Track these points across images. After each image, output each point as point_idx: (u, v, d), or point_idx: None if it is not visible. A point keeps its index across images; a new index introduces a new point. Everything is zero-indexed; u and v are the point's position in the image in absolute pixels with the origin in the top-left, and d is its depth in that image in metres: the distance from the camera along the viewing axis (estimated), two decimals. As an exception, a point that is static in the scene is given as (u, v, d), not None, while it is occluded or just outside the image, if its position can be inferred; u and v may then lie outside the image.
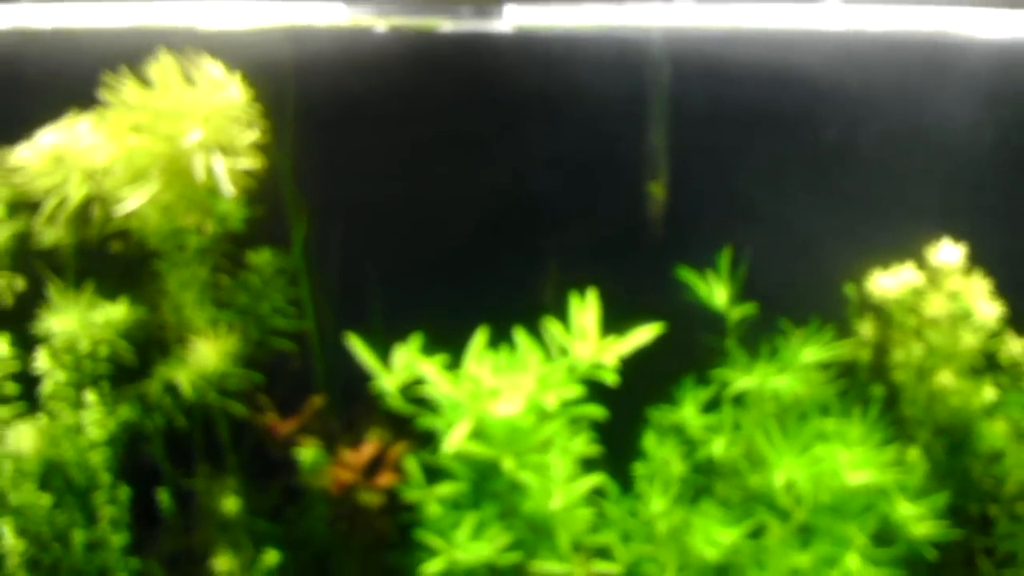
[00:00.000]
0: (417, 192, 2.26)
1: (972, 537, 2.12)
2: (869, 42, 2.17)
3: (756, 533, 2.09)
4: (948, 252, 2.02)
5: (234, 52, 1.89)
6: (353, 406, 2.20)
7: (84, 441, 2.02)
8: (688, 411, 2.23)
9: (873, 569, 2.02)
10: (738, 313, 2.19)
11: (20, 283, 2.10)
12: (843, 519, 2.04)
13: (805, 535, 2.06)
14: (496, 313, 2.14)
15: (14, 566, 2.01)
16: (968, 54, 2.15)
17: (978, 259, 2.06)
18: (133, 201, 1.90)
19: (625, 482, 2.24)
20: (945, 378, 2.02)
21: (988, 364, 2.09)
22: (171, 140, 1.86)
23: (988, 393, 2.06)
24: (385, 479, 2.12)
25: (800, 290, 2.20)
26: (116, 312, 2.09)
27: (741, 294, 2.17)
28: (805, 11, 2.18)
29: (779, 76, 2.16)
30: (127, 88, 1.86)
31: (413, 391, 2.14)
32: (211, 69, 1.86)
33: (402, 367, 2.16)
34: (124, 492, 2.07)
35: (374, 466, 2.14)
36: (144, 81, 1.87)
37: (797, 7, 2.17)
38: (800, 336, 2.18)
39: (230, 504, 2.10)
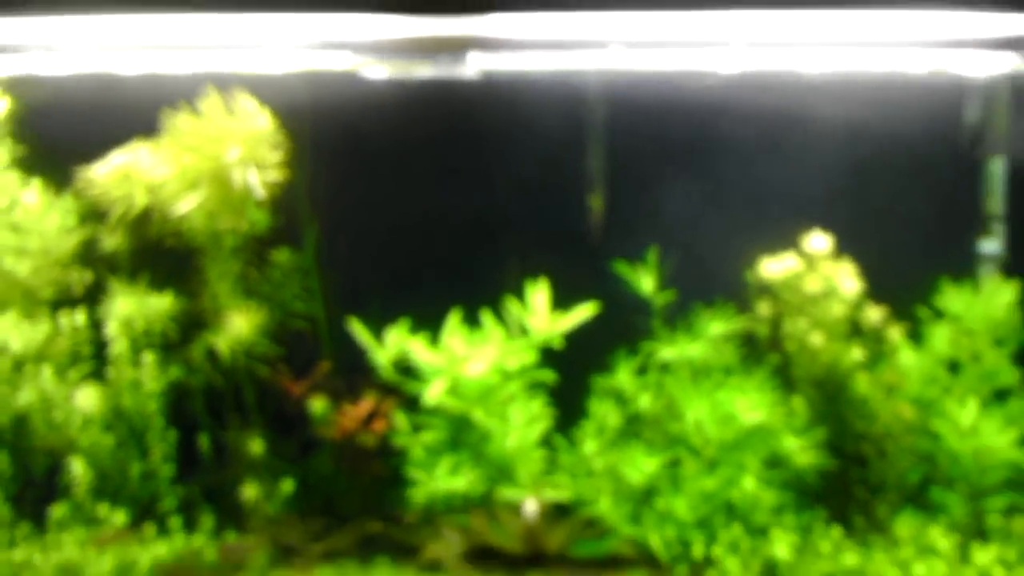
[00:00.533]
0: (406, 203, 2.79)
1: (849, 469, 2.61)
2: (761, 81, 2.71)
3: (674, 465, 2.60)
4: (818, 241, 2.54)
5: (264, 91, 2.44)
6: (353, 374, 2.71)
7: (142, 394, 2.54)
8: (623, 376, 2.73)
9: (765, 489, 2.53)
10: (662, 298, 2.71)
11: (88, 277, 2.64)
12: (741, 451, 2.55)
13: (712, 465, 2.56)
14: (469, 299, 2.67)
15: (83, 493, 2.51)
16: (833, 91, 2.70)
17: (848, 249, 2.60)
18: (184, 206, 2.44)
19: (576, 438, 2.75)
20: (818, 340, 2.53)
21: (855, 330, 2.61)
22: (215, 158, 2.41)
23: (856, 353, 2.58)
24: (379, 426, 2.62)
25: (711, 277, 2.71)
26: (163, 300, 2.63)
27: (664, 282, 2.70)
28: (713, 55, 2.71)
29: (690, 111, 2.70)
30: (181, 118, 2.41)
31: (401, 364, 2.67)
32: (246, 103, 2.42)
33: (393, 344, 2.70)
34: (172, 435, 2.59)
35: (370, 417, 2.64)
36: (195, 113, 2.42)
37: (705, 52, 2.70)
38: (709, 314, 2.70)
39: (255, 447, 2.61)
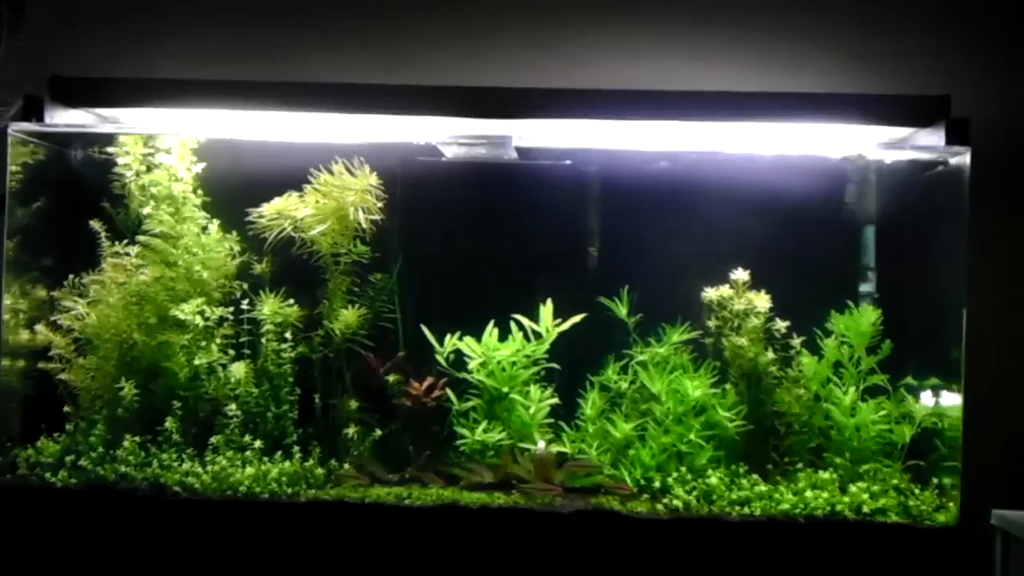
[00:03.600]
0: (462, 246, 3.83)
1: (765, 438, 3.52)
2: (706, 161, 3.75)
3: (642, 428, 3.52)
4: (740, 273, 3.55)
5: (373, 159, 3.53)
6: (420, 363, 3.68)
7: (279, 362, 3.53)
8: (611, 371, 3.69)
9: (705, 445, 3.45)
10: (634, 321, 3.69)
11: (245, 286, 3.66)
12: (688, 419, 3.48)
13: (668, 428, 3.49)
14: (503, 313, 3.67)
15: (233, 427, 3.47)
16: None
17: (765, 285, 3.59)
18: (315, 231, 3.49)
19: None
20: (741, 342, 3.51)
21: (770, 337, 3.58)
22: (339, 200, 3.48)
23: (770, 354, 3.53)
24: (437, 395, 3.59)
25: (675, 301, 3.69)
26: (294, 307, 3.64)
27: (640, 306, 3.68)
28: (675, 144, 3.71)
29: (659, 185, 3.74)
30: (320, 175, 3.50)
31: (454, 359, 3.65)
32: (362, 167, 3.51)
33: (449, 343, 3.68)
34: (296, 392, 3.56)
35: (430, 390, 3.61)
36: (329, 172, 3.51)
37: (670, 142, 3.71)
38: (672, 328, 3.67)
39: (351, 405, 3.57)
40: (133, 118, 3.67)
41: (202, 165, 3.67)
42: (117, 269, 3.56)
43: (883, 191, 3.74)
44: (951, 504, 3.27)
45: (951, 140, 3.34)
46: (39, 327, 3.55)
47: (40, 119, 3.47)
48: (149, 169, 3.66)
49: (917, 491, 3.34)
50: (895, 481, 3.37)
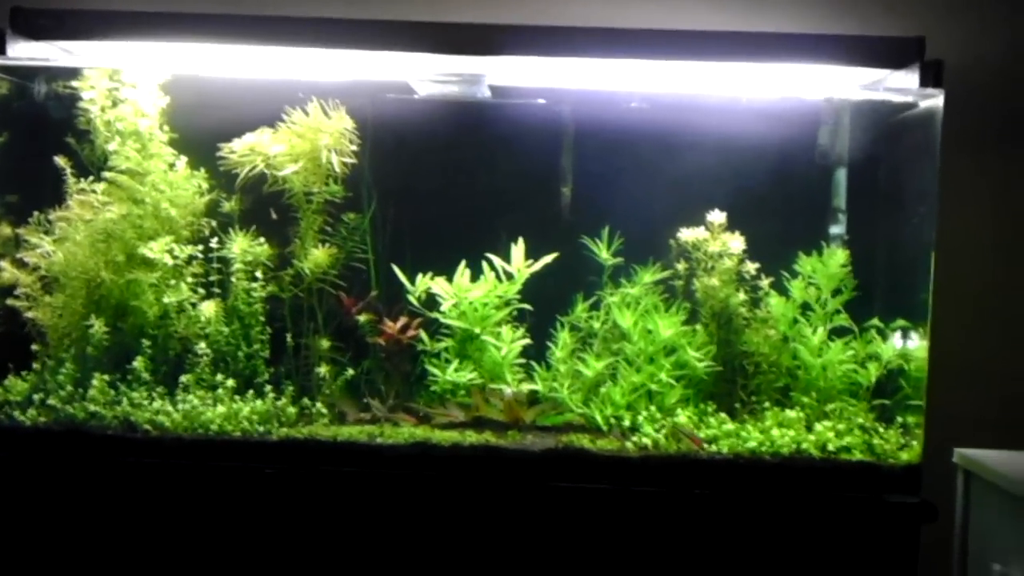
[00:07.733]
0: (434, 186, 3.72)
1: (735, 377, 3.50)
2: (679, 103, 3.66)
3: (615, 368, 3.49)
4: (716, 216, 3.48)
5: (346, 99, 3.41)
6: (393, 303, 3.61)
7: (250, 301, 3.44)
8: (580, 311, 3.63)
9: (675, 384, 3.42)
10: (611, 261, 3.63)
11: (215, 224, 3.55)
12: (659, 358, 3.44)
13: (639, 367, 3.44)
14: (475, 254, 3.59)
15: (204, 365, 3.38)
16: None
17: (738, 227, 3.54)
18: (287, 170, 3.37)
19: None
20: (714, 282, 3.46)
21: (740, 279, 3.53)
22: (312, 142, 3.36)
23: (741, 295, 3.49)
24: (411, 335, 3.52)
25: (649, 242, 3.61)
26: (263, 247, 3.53)
27: (616, 249, 3.61)
28: (649, 85, 3.61)
29: (633, 125, 3.65)
30: (294, 113, 3.37)
31: (426, 299, 3.57)
32: (336, 108, 3.38)
33: (421, 283, 3.60)
34: (268, 330, 3.48)
35: (403, 329, 3.54)
36: (303, 111, 3.39)
37: (642, 83, 3.62)
38: (644, 269, 3.62)
39: (323, 344, 3.49)
40: (98, 51, 3.51)
41: (168, 100, 3.51)
42: (83, 206, 3.44)
43: (855, 134, 3.67)
44: (915, 443, 3.27)
45: (925, 82, 3.28)
46: (4, 264, 3.44)
47: (2, 52, 3.32)
48: (115, 104, 3.51)
49: (882, 430, 3.34)
50: (860, 420, 3.35)
